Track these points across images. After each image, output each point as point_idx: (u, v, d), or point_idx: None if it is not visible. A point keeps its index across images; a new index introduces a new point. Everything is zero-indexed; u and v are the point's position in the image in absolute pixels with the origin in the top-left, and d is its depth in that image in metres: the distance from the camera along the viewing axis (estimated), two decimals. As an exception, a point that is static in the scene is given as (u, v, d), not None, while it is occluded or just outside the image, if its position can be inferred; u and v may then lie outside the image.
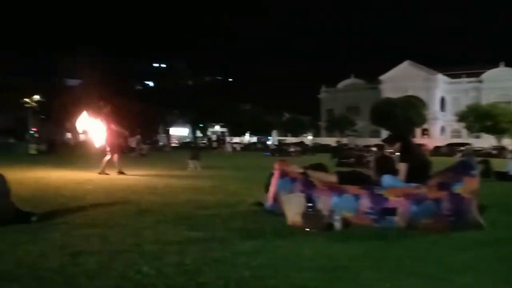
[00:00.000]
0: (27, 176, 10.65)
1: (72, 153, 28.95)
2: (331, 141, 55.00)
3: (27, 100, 55.43)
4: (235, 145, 50.23)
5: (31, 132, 45.02)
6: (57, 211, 5.50)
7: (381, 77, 71.63)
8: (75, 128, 12.39)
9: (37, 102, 56.43)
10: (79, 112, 12.10)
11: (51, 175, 11.34)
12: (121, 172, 11.75)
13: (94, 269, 3.13)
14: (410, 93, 62.69)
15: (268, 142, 58.52)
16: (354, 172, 5.82)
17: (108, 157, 11.69)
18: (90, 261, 3.31)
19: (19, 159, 18.51)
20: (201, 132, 71.83)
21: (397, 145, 5.68)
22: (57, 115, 52.99)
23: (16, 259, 3.34)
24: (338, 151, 27.97)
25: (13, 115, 57.15)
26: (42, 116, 56.59)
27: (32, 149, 27.94)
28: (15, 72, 50.94)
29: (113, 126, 11.91)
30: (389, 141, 5.98)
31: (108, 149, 11.74)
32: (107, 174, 11.40)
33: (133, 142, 34.11)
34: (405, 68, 69.84)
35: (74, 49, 48.83)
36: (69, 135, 62.44)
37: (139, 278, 2.95)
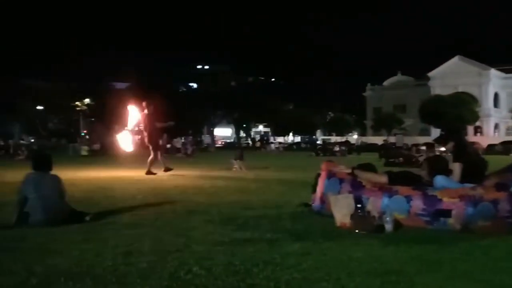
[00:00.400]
0: (79, 177, 11.07)
1: (121, 154, 29.89)
2: (378, 140, 53.74)
3: (77, 103, 57.83)
4: (278, 145, 50.24)
5: (82, 134, 46.90)
6: (108, 211, 5.67)
7: (430, 73, 69.45)
8: (124, 127, 12.76)
9: (87, 105, 58.77)
10: (126, 113, 12.46)
11: (102, 176, 11.75)
12: (168, 169, 11.96)
13: (145, 268, 3.19)
14: (460, 89, 60.43)
15: (318, 142, 57.85)
16: (405, 172, 5.63)
17: (152, 156, 11.96)
18: (142, 260, 3.37)
19: (71, 160, 19.29)
20: (245, 132, 72.32)
21: (450, 144, 5.47)
22: (106, 117, 54.94)
23: (73, 258, 3.46)
24: (385, 150, 27.30)
25: (65, 118, 59.70)
26: (92, 119, 58.83)
27: (84, 150, 29.08)
28: (65, 76, 53.21)
29: (156, 125, 12.17)
30: (441, 140, 5.77)
31: (151, 148, 12.02)
32: (154, 173, 11.66)
33: (178, 142, 34.82)
34: (455, 63, 67.37)
35: (123, 53, 50.48)
36: (118, 136, 64.48)
37: (190, 278, 2.98)
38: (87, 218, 5.04)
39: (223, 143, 63.21)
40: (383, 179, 5.20)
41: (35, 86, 54.81)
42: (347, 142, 52.40)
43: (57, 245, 3.86)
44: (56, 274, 3.02)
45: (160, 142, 12.99)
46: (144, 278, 2.97)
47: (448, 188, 4.78)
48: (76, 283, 2.85)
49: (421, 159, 16.80)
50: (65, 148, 34.77)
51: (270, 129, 78.03)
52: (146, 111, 12.09)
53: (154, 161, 11.97)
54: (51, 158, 5.37)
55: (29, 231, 4.37)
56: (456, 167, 5.14)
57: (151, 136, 12.01)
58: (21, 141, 41.33)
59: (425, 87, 68.37)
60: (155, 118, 12.26)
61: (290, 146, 56.70)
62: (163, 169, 11.96)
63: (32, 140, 50.87)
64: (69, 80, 54.61)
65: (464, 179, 5.06)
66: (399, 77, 77.67)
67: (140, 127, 12.14)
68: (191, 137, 33.08)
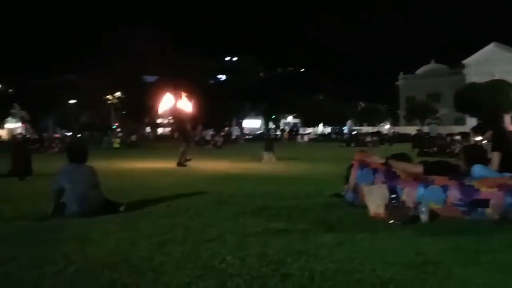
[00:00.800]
0: (111, 168, 11.30)
1: (152, 146, 30.35)
2: (411, 130, 52.50)
3: (109, 97, 59.03)
4: (306, 136, 49.94)
5: (113, 127, 47.84)
6: (141, 201, 5.77)
7: (465, 61, 67.37)
8: (154, 121, 13.08)
9: (118, 98, 59.91)
10: (157, 106, 12.70)
11: (134, 167, 11.98)
12: (186, 160, 12.01)
13: (180, 258, 3.22)
14: (497, 77, 58.22)
15: (348, 132, 57.03)
16: (441, 162, 5.48)
17: (182, 148, 12.10)
18: (176, 250, 3.41)
19: (103, 152, 19.71)
20: (274, 124, 72.17)
21: (489, 133, 5.30)
22: (136, 110, 55.87)
23: (109, 247, 3.53)
24: (419, 140, 26.68)
25: (97, 111, 61.01)
26: (123, 112, 59.93)
27: (115, 142, 29.70)
28: (97, 70, 54.31)
29: (185, 117, 12.33)
30: (480, 129, 5.60)
31: (182, 139, 12.18)
32: (185, 165, 11.79)
33: (208, 134, 35.13)
34: (491, 50, 65.07)
35: (152, 46, 51.06)
36: (148, 129, 65.58)
37: (224, 267, 2.99)
38: (121, 208, 5.14)
39: (248, 135, 63.15)
40: (419, 169, 5.07)
41: (67, 80, 56.27)
42: (378, 132, 51.53)
43: (93, 234, 3.95)
44: (93, 263, 3.09)
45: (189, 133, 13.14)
46: (179, 267, 3.00)
47: (486, 178, 4.63)
48: (112, 271, 2.90)
49: (455, 149, 16.38)
50: (97, 141, 35.57)
51: (300, 120, 77.62)
52: (176, 102, 12.26)
53: (185, 152, 12.10)
54: (87, 150, 5.49)
55: (66, 222, 4.49)
56: (495, 156, 4.99)
57: (181, 127, 12.17)
58: (55, 135, 42.57)
59: (460, 75, 66.40)
60: (184, 110, 12.41)
61: (321, 137, 56.26)
62: (181, 161, 11.96)
63: (68, 133, 52.36)
64: (101, 74, 55.73)
65: (503, 168, 4.89)
66: (432, 65, 75.69)
67: (171, 119, 12.38)
68: (227, 127, 33.35)
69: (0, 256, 3.31)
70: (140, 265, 3.05)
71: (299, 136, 50.00)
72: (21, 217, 4.81)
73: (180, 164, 11.83)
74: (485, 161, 5.04)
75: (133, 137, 32.59)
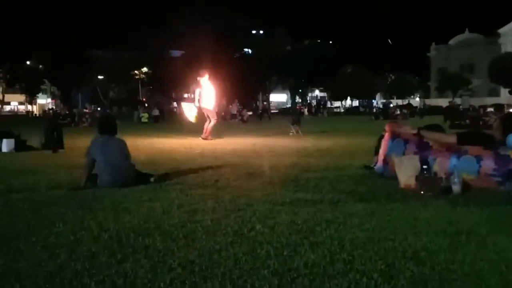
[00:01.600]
0: (141, 142, 11.48)
1: (179, 120, 30.66)
2: (442, 102, 51.20)
3: (136, 72, 59.57)
4: (331, 110, 49.39)
5: (141, 101, 48.41)
6: (171, 173, 5.85)
7: (500, 30, 64.70)
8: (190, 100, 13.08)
9: (145, 73, 60.41)
10: (183, 81, 12.79)
11: (162, 141, 12.13)
12: (206, 138, 12.04)
13: (210, 225, 3.27)
14: (534, 46, 56.03)
15: (377, 105, 55.92)
16: (475, 132, 5.33)
17: (210, 123, 12.16)
18: (206, 218, 3.46)
19: (132, 127, 20.05)
20: (300, 98, 71.44)
21: None
22: (164, 85, 56.29)
23: (142, 215, 3.61)
24: (451, 113, 26.02)
25: (125, 86, 61.82)
26: (150, 87, 60.47)
27: (144, 117, 30.11)
28: (123, 46, 54.84)
29: (212, 93, 12.33)
30: None
31: (209, 115, 12.23)
32: (210, 139, 11.89)
33: (234, 108, 35.16)
34: (528, 18, 62.27)
35: (177, 20, 50.94)
36: (175, 104, 66.17)
37: (253, 235, 3.02)
38: (152, 179, 5.23)
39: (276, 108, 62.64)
40: (452, 139, 4.95)
41: (96, 56, 56.92)
42: (409, 105, 50.48)
43: (125, 204, 4.04)
44: (126, 230, 3.17)
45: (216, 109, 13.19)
46: (210, 234, 3.05)
47: (523, 148, 4.48)
48: (145, 238, 2.97)
49: (489, 121, 15.93)
50: (127, 115, 36.11)
51: (327, 94, 76.59)
52: (202, 78, 12.28)
53: (213, 127, 12.16)
54: (115, 122, 5.57)
55: (99, 192, 4.61)
56: None
57: (207, 103, 12.22)
58: (85, 110, 43.36)
59: (496, 45, 63.94)
60: (211, 86, 12.43)
61: (349, 111, 55.44)
62: (203, 136, 12.05)
63: (97, 109, 53.32)
64: (128, 49, 56.18)
65: None
66: (466, 35, 72.94)
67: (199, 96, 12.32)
68: (260, 101, 33.38)
69: (38, 222, 3.44)
70: (172, 232, 3.12)
71: (324, 110, 49.58)
72: (57, 187, 4.95)
73: (205, 138, 11.91)
74: None
75: (155, 111, 32.73)
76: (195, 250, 2.72)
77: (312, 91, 77.60)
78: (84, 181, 4.98)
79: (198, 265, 2.46)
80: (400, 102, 59.22)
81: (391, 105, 48.02)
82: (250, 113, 36.21)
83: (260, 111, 37.88)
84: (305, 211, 3.67)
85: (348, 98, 71.70)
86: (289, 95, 73.64)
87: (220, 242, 2.87)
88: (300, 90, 69.61)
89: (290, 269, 2.38)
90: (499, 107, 17.59)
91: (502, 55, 54.21)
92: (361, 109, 57.02)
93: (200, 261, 2.52)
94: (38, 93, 66.29)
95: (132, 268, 2.42)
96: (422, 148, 4.80)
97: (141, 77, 60.30)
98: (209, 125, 12.19)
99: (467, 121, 18.45)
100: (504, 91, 56.47)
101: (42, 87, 65.51)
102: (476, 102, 46.94)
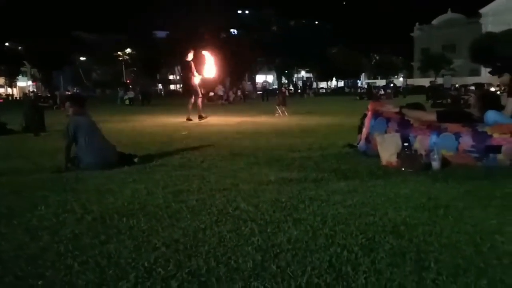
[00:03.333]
0: (124, 124, 11.40)
1: (163, 102, 30.37)
2: (425, 82, 51.66)
3: (120, 53, 58.57)
4: (317, 90, 49.33)
5: (125, 83, 47.66)
6: (156, 154, 5.85)
7: (482, 10, 65.03)
8: (166, 77, 13.03)
9: (128, 55, 59.47)
10: (168, 63, 12.69)
11: (146, 123, 12.06)
12: (188, 119, 12.05)
13: (195, 205, 3.30)
14: (514, 26, 56.50)
15: (362, 85, 56.06)
16: (454, 110, 5.43)
17: (198, 100, 12.16)
18: (191, 198, 3.49)
19: (115, 109, 19.85)
20: (287, 79, 71.24)
21: (506, 77, 5.12)
22: (148, 67, 55.58)
23: (126, 196, 3.62)
24: (433, 92, 26.34)
25: (108, 68, 60.79)
26: (134, 68, 59.65)
27: (127, 99, 29.69)
28: (106, 27, 53.87)
29: (198, 73, 12.27)
30: (497, 72, 5.37)
31: (194, 94, 12.19)
32: (205, 117, 11.95)
33: (220, 90, 34.96)
34: (509, -2, 62.61)
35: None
36: (159, 85, 65.41)
37: (238, 213, 3.06)
38: (135, 160, 5.21)
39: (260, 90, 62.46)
40: (432, 116, 5.03)
41: (78, 37, 55.77)
42: (393, 85, 50.77)
43: (109, 185, 4.03)
44: (110, 212, 3.18)
45: (202, 90, 13.12)
46: (195, 214, 3.08)
47: (500, 124, 4.58)
48: (129, 219, 2.99)
49: (469, 99, 16.15)
50: (110, 98, 35.61)
51: (313, 75, 76.51)
52: (187, 58, 12.18)
53: (194, 107, 12.16)
54: (85, 97, 5.48)
55: (82, 174, 4.59)
56: (510, 103, 4.88)
57: (192, 82, 12.15)
58: (67, 92, 42.57)
59: (477, 25, 64.35)
60: (196, 66, 12.34)
61: (332, 91, 55.52)
62: (186, 118, 12.08)
63: (78, 91, 52.42)
64: (112, 31, 55.23)
65: None
66: (449, 15, 73.20)
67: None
68: (249, 81, 33.02)
69: (20, 205, 3.43)
70: (157, 212, 3.14)
71: (310, 90, 49.58)
72: (39, 170, 4.92)
73: (200, 117, 12.01)
74: (499, 108, 4.96)
75: (130, 94, 31.58)
76: (180, 230, 2.75)
77: (299, 72, 77.43)
78: (65, 164, 4.92)
79: (183, 244, 2.49)
80: (384, 82, 59.48)
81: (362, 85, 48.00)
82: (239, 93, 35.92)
83: (262, 92, 37.44)
84: (289, 189, 3.72)
85: (334, 78, 71.78)
86: (275, 76, 73.39)
87: (205, 221, 2.91)
88: (286, 71, 69.39)
89: (273, 245, 2.43)
90: (479, 86, 17.82)
91: (483, 35, 54.60)
92: (346, 90, 57.24)
93: (184, 240, 2.55)
94: (18, 76, 64.86)
95: (116, 249, 2.45)
96: (403, 126, 4.87)
97: (125, 58, 59.36)
98: (198, 103, 12.22)
99: (449, 100, 18.69)
100: (484, 71, 57.07)
101: (22, 69, 64.05)
102: (457, 81, 47.39)
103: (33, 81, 69.14)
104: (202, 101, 12.50)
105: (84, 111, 5.20)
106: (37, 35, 48.44)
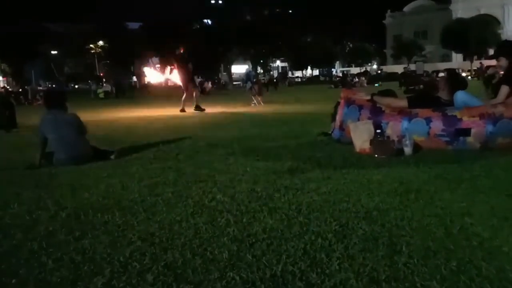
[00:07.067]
0: (99, 118, 11.25)
1: (139, 95, 30.00)
2: (398, 68, 52.40)
3: (92, 46, 57.33)
4: (292, 80, 49.48)
5: (98, 76, 46.78)
6: (131, 148, 5.79)
7: (452, -5, 66.19)
8: (141, 71, 13.48)
9: (101, 47, 58.30)
10: (142, 54, 13.07)
11: (122, 116, 11.93)
12: (183, 110, 12.25)
13: (171, 198, 3.29)
14: (483, 11, 57.79)
15: (336, 74, 56.47)
16: (424, 94, 5.50)
17: (191, 94, 12.52)
18: (167, 191, 3.48)
19: (89, 102, 19.51)
20: (262, 69, 71.14)
21: (503, 61, 4.84)
22: (121, 59, 54.68)
23: (101, 191, 3.58)
24: (405, 78, 26.79)
25: (81, 61, 59.47)
26: (107, 61, 58.56)
27: (100, 93, 29.22)
28: (77, 18, 52.59)
29: (188, 66, 12.50)
30: (498, 53, 5.04)
31: (185, 87, 12.42)
32: (203, 109, 12.33)
33: (196, 80, 34.70)
34: (478, -16, 63.81)
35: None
36: (134, 78, 64.47)
37: (214, 205, 3.07)
38: (112, 157, 5.12)
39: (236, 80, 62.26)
40: (403, 102, 5.13)
41: (49, 29, 54.22)
42: (366, 72, 51.31)
43: (83, 181, 3.99)
44: (84, 207, 3.14)
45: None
46: (171, 206, 3.07)
47: (469, 105, 4.69)
48: (104, 214, 2.96)
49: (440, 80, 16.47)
50: (84, 92, 34.95)
51: (288, 64, 76.57)
52: (176, 53, 12.58)
53: (197, 97, 12.57)
54: (63, 95, 5.38)
55: (55, 170, 4.52)
56: (504, 91, 4.68)
57: (183, 76, 12.44)
58: (39, 87, 41.47)
59: (447, 11, 65.47)
60: (186, 60, 12.69)
61: (308, 80, 55.74)
62: (179, 109, 12.29)
63: (53, 85, 51.19)
64: (83, 22, 53.98)
65: None
66: (420, 2, 74.22)
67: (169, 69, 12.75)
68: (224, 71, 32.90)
69: (-8, 204, 3.36)
70: (132, 206, 3.12)
71: (285, 80, 49.71)
72: (11, 167, 4.83)
73: (197, 108, 12.32)
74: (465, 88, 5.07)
75: (106, 87, 30.89)
76: (155, 223, 2.74)
77: (274, 61, 77.37)
78: (38, 159, 4.85)
79: (158, 237, 2.49)
80: (358, 69, 60.01)
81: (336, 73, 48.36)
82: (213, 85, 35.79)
83: (267, 81, 37.20)
84: (265, 179, 3.74)
85: (309, 67, 72.04)
86: (251, 66, 73.22)
87: (180, 213, 2.91)
88: (261, 61, 69.26)
89: (249, 235, 2.45)
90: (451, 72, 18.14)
91: (453, 21, 55.57)
92: (321, 78, 57.56)
93: (160, 233, 2.55)
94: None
95: (91, 244, 2.43)
96: (376, 113, 4.94)
97: (97, 51, 58.18)
98: (194, 95, 12.54)
99: (421, 86, 18.99)
100: (455, 56, 58.27)
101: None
102: (429, 67, 48.19)
103: (3, 76, 67.17)
104: (191, 94, 12.61)
105: (54, 107, 5.07)
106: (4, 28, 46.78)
